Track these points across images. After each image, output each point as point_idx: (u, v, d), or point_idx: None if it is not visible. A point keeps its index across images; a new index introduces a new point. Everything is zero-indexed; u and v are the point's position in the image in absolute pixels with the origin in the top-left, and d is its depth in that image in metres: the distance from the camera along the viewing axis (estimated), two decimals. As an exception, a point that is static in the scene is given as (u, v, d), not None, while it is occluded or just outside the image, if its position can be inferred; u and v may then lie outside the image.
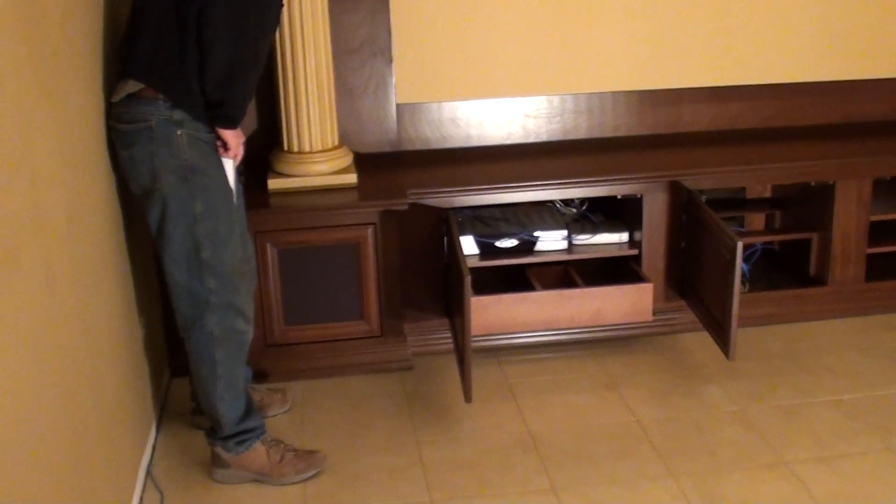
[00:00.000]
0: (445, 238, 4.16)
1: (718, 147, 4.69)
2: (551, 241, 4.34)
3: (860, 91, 5.02)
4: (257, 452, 3.44)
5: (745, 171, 4.46)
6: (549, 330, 4.25)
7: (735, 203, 4.89)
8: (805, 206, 4.67)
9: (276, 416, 3.87)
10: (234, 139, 3.23)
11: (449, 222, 4.07)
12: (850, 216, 4.52)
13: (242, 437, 3.43)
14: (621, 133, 4.82)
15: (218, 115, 3.15)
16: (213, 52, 3.05)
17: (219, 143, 3.21)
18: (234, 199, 3.31)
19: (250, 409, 3.46)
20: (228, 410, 3.39)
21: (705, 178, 4.35)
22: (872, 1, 4.87)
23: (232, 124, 3.20)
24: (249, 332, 3.41)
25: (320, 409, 3.93)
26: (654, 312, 4.25)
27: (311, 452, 3.53)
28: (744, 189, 4.91)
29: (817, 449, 3.62)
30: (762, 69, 4.88)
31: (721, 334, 3.95)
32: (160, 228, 3.20)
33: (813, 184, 4.53)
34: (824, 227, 4.55)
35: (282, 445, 3.50)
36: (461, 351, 3.77)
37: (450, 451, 3.63)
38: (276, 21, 3.30)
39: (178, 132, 3.11)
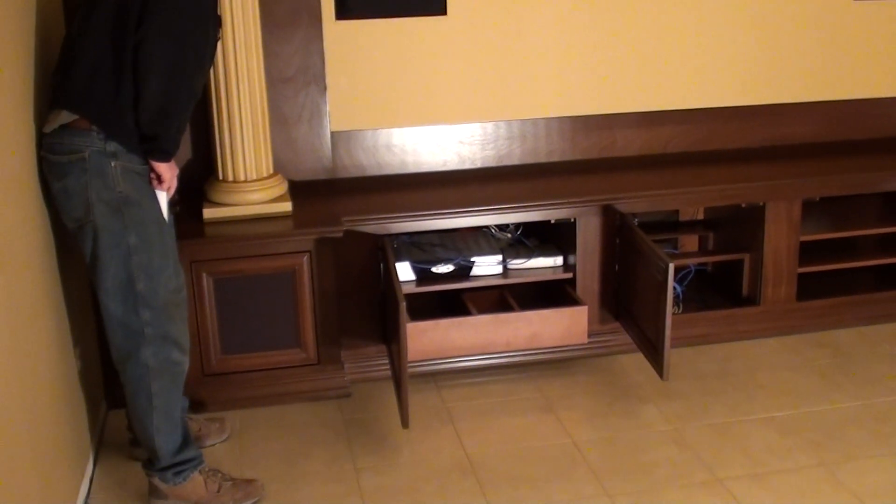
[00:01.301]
0: (381, 264, 4.18)
1: (651, 171, 4.75)
2: (487, 265, 4.37)
3: (788, 114, 5.12)
4: (195, 483, 3.43)
5: (678, 194, 4.52)
6: (485, 354, 4.28)
7: (668, 225, 4.95)
8: (737, 227, 4.75)
9: (214, 445, 3.86)
10: (168, 172, 3.22)
11: (385, 249, 4.09)
12: (780, 237, 4.59)
13: (180, 468, 3.41)
14: (555, 158, 4.87)
15: (152, 148, 3.14)
16: (149, 86, 3.04)
17: (153, 176, 3.20)
18: (171, 227, 3.31)
19: (187, 440, 3.45)
20: (165, 442, 3.37)
21: (638, 202, 4.41)
22: (797, 27, 4.97)
23: (166, 157, 3.18)
24: (185, 362, 3.40)
25: (258, 437, 3.92)
26: (590, 335, 4.30)
27: (249, 481, 3.52)
28: (677, 212, 4.98)
29: (751, 466, 3.67)
30: (692, 94, 4.95)
31: (655, 355, 4.00)
32: (93, 261, 3.18)
33: (744, 206, 4.60)
34: (756, 247, 4.63)
35: (219, 475, 3.49)
36: (398, 377, 3.78)
37: (388, 478, 3.63)
38: (212, 56, 3.30)
39: (112, 164, 3.10)
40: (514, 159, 4.83)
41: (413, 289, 4.28)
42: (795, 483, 3.57)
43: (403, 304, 3.61)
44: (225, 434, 3.92)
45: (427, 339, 4.08)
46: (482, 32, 4.65)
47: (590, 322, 4.28)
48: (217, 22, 3.31)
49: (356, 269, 4.21)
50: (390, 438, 3.89)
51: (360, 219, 4.13)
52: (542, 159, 4.86)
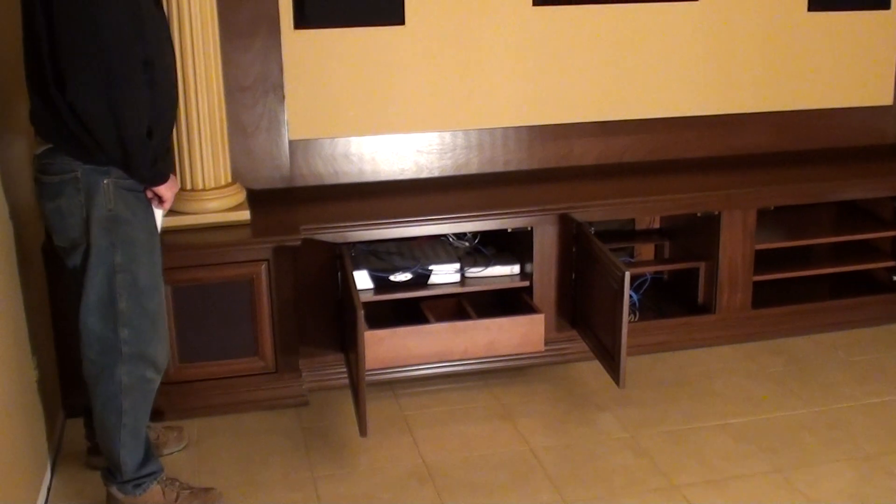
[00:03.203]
0: (339, 273, 4.18)
1: (607, 180, 4.79)
2: (444, 274, 4.39)
3: (743, 124, 5.17)
4: (153, 493, 3.41)
5: (634, 202, 4.56)
6: (443, 362, 4.29)
7: (625, 234, 4.99)
8: (693, 236, 4.79)
9: (172, 454, 3.84)
10: (169, 192, 3.21)
11: (343, 257, 4.09)
12: (735, 245, 4.64)
13: (141, 480, 3.40)
14: (512, 168, 4.89)
15: (137, 178, 3.12)
16: (99, 137, 2.99)
17: (151, 196, 3.19)
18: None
19: (150, 454, 3.43)
20: (130, 457, 3.36)
21: (595, 211, 4.44)
22: (752, 38, 5.03)
23: (156, 182, 3.16)
24: (158, 380, 3.38)
25: (216, 446, 3.91)
26: (547, 342, 4.32)
27: (206, 490, 3.51)
28: (633, 220, 5.02)
29: (706, 472, 3.70)
30: (648, 104, 4.99)
31: (611, 363, 4.03)
32: (79, 275, 3.16)
33: (700, 214, 4.64)
34: (711, 256, 4.67)
35: (177, 484, 3.48)
36: (356, 385, 3.78)
37: (346, 486, 3.63)
38: (137, 65, 3.04)
39: (105, 181, 3.08)
40: (472, 168, 4.85)
41: (371, 297, 4.29)
42: (751, 489, 3.60)
43: (361, 313, 3.61)
44: (183, 443, 3.91)
45: (385, 347, 4.09)
46: (440, 42, 4.67)
47: (546, 330, 4.30)
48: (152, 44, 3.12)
49: (314, 277, 4.21)
50: (348, 446, 3.89)
51: (318, 227, 4.13)
52: (500, 168, 4.88)
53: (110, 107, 2.96)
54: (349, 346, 3.97)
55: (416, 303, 4.47)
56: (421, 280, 4.37)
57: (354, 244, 4.46)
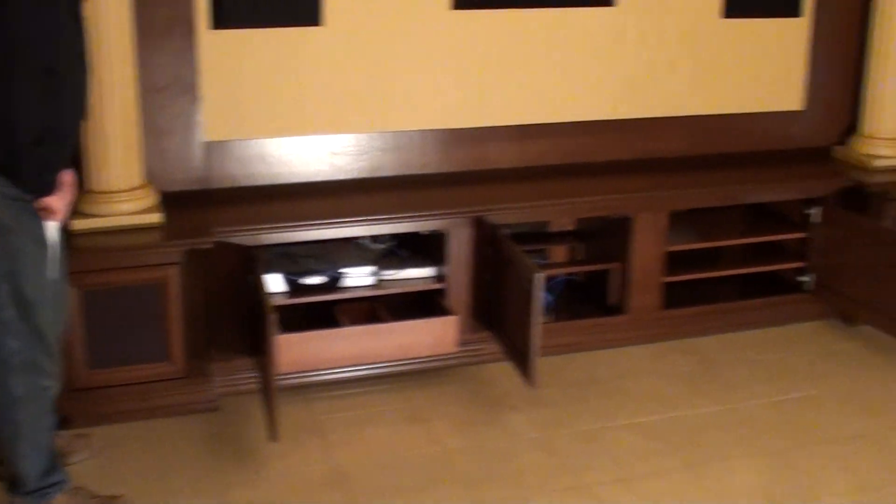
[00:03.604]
0: (252, 276, 4.16)
1: (523, 183, 4.81)
2: (359, 277, 4.38)
3: (657, 128, 5.21)
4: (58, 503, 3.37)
5: (548, 205, 4.60)
6: (356, 365, 4.29)
7: (539, 236, 5.02)
8: (605, 238, 4.84)
9: (80, 462, 3.78)
10: (58, 202, 3.14)
11: (255, 260, 4.08)
12: (647, 247, 4.70)
13: (45, 491, 3.35)
14: (428, 170, 4.89)
15: (21, 186, 3.05)
16: None
17: (43, 207, 3.12)
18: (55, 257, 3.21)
19: (55, 464, 3.38)
20: (31, 468, 3.30)
21: (509, 213, 4.47)
22: (668, 43, 5.08)
23: (44, 191, 3.09)
24: (55, 385, 3.32)
25: (125, 453, 3.86)
26: (460, 344, 4.34)
27: (113, 498, 3.48)
28: (547, 223, 5.05)
29: (617, 471, 3.75)
30: (564, 108, 5.01)
31: (524, 363, 4.05)
32: None
33: (612, 217, 4.69)
34: (623, 258, 4.72)
35: (83, 492, 3.43)
36: (267, 390, 3.77)
37: (257, 492, 3.62)
38: (36, 71, 3.00)
39: None
40: (388, 170, 4.84)
41: (284, 300, 4.27)
42: (661, 486, 3.66)
43: (273, 316, 3.61)
44: (90, 450, 3.85)
45: (297, 351, 4.08)
46: (357, 44, 4.65)
47: (460, 332, 4.32)
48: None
49: (227, 281, 4.19)
50: (259, 452, 3.87)
51: (231, 230, 4.11)
52: (416, 171, 4.88)
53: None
54: (261, 351, 3.94)
55: (329, 306, 4.46)
56: (334, 283, 4.36)
57: (268, 247, 4.43)
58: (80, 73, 3.21)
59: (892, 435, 4.03)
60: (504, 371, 4.37)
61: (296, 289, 4.32)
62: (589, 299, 4.95)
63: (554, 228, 5.08)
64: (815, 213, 4.94)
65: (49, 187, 3.12)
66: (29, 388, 3.20)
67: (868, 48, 5.10)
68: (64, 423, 3.91)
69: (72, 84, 3.13)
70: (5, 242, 3.06)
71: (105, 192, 4.06)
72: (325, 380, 4.33)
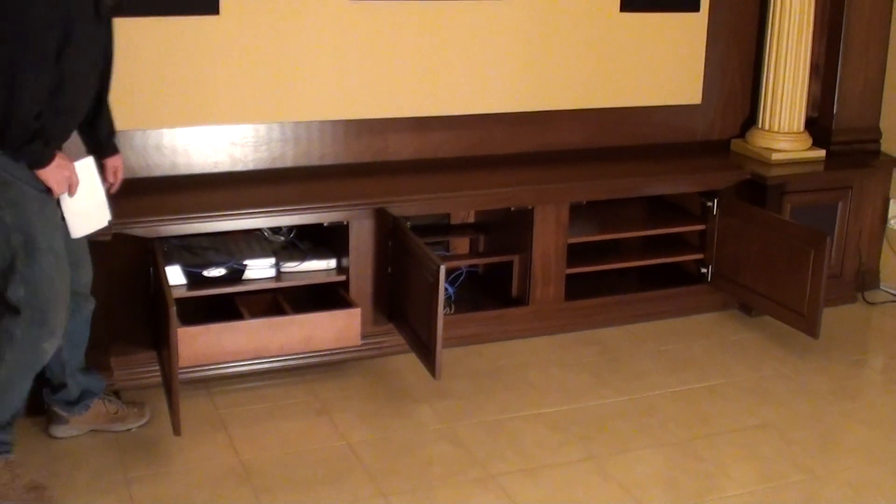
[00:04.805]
0: (151, 268, 4.08)
1: (423, 175, 4.79)
2: (260, 269, 4.32)
3: (557, 121, 5.24)
4: None
5: (449, 197, 4.59)
6: (259, 358, 4.23)
7: (440, 229, 5.01)
8: (507, 230, 4.85)
9: (133, 429, 3.88)
10: (52, 177, 3.24)
11: (154, 252, 4.00)
12: (548, 239, 4.71)
13: None
14: (328, 161, 4.85)
15: (9, 153, 3.17)
16: None
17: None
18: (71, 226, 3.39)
19: (9, 426, 3.45)
20: None
21: (410, 205, 4.44)
22: (568, 36, 5.09)
23: (31, 162, 3.20)
24: (52, 351, 3.42)
25: (23, 449, 3.71)
26: (363, 336, 4.30)
27: (37, 487, 3.45)
28: (448, 215, 5.04)
29: (522, 461, 3.75)
30: (464, 100, 5.01)
31: (427, 355, 4.04)
32: None
33: (513, 209, 4.69)
34: (525, 249, 4.73)
35: (20, 470, 3.47)
36: (169, 383, 3.70)
37: (160, 487, 3.55)
38: (48, 51, 3.17)
39: None
40: (287, 161, 4.78)
41: (184, 293, 4.19)
42: (565, 476, 3.67)
43: (173, 309, 3.55)
44: (144, 418, 3.93)
45: (198, 344, 4.00)
46: (255, 33, 4.59)
47: (363, 324, 4.27)
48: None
49: (125, 273, 4.11)
50: (162, 446, 3.79)
51: (129, 221, 4.00)
52: (316, 162, 4.83)
53: (5, 82, 3.07)
54: (161, 344, 3.88)
55: (230, 298, 4.39)
56: (235, 275, 4.29)
57: (167, 239, 4.34)
58: (85, 66, 3.36)
59: (794, 424, 4.10)
60: (408, 363, 4.36)
61: (197, 281, 4.24)
62: (490, 291, 4.95)
63: (455, 220, 5.07)
64: (713, 205, 5.00)
65: (34, 157, 3.21)
66: (30, 337, 3.31)
67: (765, 42, 5.18)
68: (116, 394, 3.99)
69: (76, 72, 3.28)
70: (4, 196, 3.19)
71: None
72: (227, 373, 4.27)
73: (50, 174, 3.25)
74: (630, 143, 5.38)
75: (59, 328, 3.37)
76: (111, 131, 3.68)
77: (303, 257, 4.43)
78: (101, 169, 3.60)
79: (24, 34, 3.08)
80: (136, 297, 4.16)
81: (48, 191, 3.27)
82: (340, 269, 4.45)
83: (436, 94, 4.95)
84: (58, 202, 3.34)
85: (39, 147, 3.21)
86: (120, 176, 3.70)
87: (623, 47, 5.23)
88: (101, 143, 3.65)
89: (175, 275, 4.20)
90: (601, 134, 5.33)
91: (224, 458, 3.74)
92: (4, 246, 3.24)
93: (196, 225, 4.15)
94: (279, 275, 4.37)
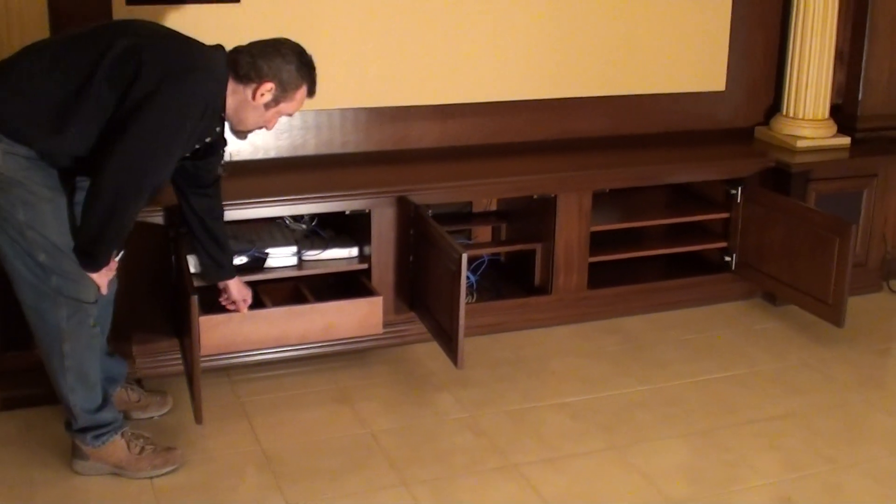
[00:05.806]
0: (173, 257, 4.08)
1: (445, 163, 4.78)
2: (281, 257, 4.31)
3: (580, 108, 5.20)
4: (115, 445, 3.47)
5: (471, 185, 4.57)
6: (280, 346, 4.23)
7: (462, 217, 5.00)
8: (529, 218, 4.82)
9: (156, 417, 3.91)
10: (103, 278, 3.36)
11: (176, 240, 3.99)
12: (571, 227, 4.69)
13: (99, 431, 3.46)
14: (349, 149, 4.84)
15: (81, 260, 3.27)
16: (94, 210, 3.16)
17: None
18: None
19: (106, 403, 3.51)
20: (80, 401, 3.42)
21: (432, 193, 4.43)
22: (591, 22, 5.06)
23: (84, 262, 3.27)
24: (99, 326, 3.47)
25: (46, 437, 3.75)
26: (385, 325, 4.28)
27: (169, 449, 3.60)
28: (470, 203, 5.03)
29: (544, 451, 3.74)
30: (486, 87, 4.99)
31: (449, 344, 4.02)
32: None
33: (536, 197, 4.68)
34: (547, 238, 4.71)
35: (143, 439, 3.55)
36: (190, 371, 3.71)
37: (182, 475, 3.56)
38: (150, 188, 3.29)
39: None
40: (309, 149, 4.78)
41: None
42: (587, 466, 3.66)
43: (195, 297, 3.56)
44: (166, 407, 3.97)
45: (220, 332, 3.99)
46: (275, 22, 4.57)
47: (385, 312, 4.26)
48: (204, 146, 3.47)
49: (147, 261, 4.11)
50: (183, 435, 3.80)
51: (150, 210, 3.99)
52: (337, 150, 4.82)
53: (123, 193, 3.17)
54: (184, 332, 3.88)
55: (252, 287, 4.37)
56: (257, 263, 4.28)
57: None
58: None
59: (818, 414, 4.07)
60: (430, 351, 4.35)
61: (218, 269, 4.24)
62: (512, 279, 4.94)
63: (477, 208, 5.05)
64: (737, 193, 4.97)
65: (90, 260, 3.30)
66: (74, 323, 3.32)
67: (790, 29, 5.14)
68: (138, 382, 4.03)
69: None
70: (18, 196, 3.18)
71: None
72: (249, 361, 4.27)
73: (102, 276, 3.35)
74: (653, 130, 5.35)
75: (92, 302, 3.38)
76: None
77: (324, 245, 4.42)
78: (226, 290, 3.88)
79: (152, 165, 3.19)
80: (158, 285, 4.16)
81: (58, 190, 3.28)
82: (362, 257, 4.44)
83: (458, 81, 4.93)
84: (70, 200, 3.32)
85: (107, 257, 3.33)
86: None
87: (646, 34, 5.19)
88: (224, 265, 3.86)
89: (197, 263, 4.20)
90: (624, 121, 5.30)
91: (246, 447, 3.74)
92: (22, 244, 3.22)
93: (218, 213, 4.14)
94: (301, 263, 4.36)
